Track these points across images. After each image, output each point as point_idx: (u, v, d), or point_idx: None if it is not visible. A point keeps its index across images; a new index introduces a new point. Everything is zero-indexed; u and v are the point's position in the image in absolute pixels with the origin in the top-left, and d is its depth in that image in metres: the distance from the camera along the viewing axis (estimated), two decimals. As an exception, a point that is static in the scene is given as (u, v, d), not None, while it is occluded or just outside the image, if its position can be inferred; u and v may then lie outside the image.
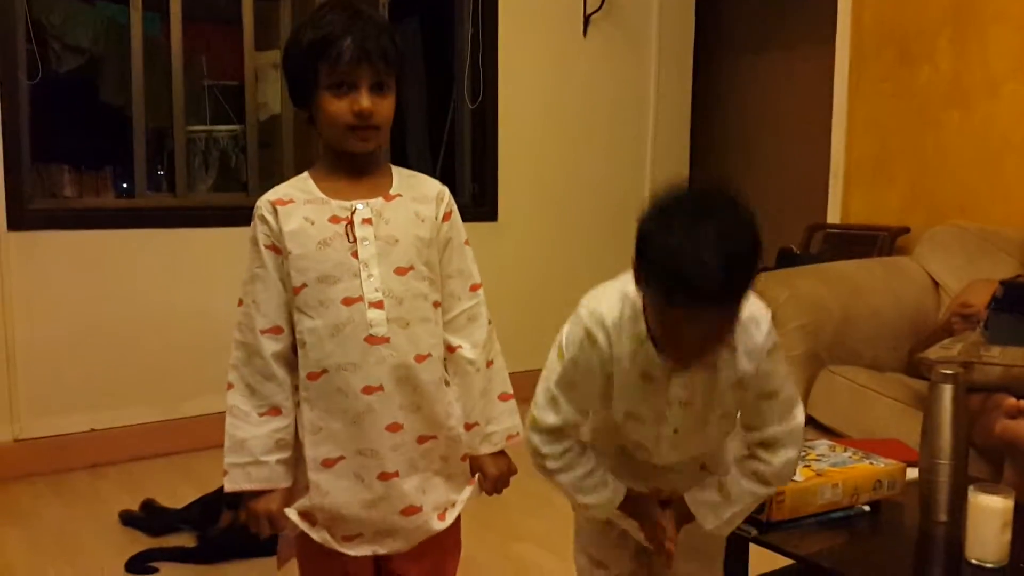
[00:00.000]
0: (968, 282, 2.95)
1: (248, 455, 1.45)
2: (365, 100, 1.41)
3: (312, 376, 1.44)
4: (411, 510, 1.50)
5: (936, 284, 3.28)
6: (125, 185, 3.89)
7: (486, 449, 1.57)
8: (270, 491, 1.46)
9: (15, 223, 3.18)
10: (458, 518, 1.60)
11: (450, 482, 1.57)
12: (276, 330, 1.46)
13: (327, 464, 1.45)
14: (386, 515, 1.48)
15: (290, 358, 1.47)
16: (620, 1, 4.38)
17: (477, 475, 1.60)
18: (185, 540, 2.67)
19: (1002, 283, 2.49)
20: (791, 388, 1.39)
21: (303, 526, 1.49)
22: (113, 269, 3.35)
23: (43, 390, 3.23)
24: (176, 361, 3.45)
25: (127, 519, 2.82)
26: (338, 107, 1.42)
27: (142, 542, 2.68)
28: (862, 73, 3.87)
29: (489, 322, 1.59)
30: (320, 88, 1.42)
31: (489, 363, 1.58)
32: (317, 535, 1.49)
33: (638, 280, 1.23)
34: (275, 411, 1.46)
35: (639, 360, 1.32)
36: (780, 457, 1.38)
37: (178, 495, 2.89)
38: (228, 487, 1.47)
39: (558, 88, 4.31)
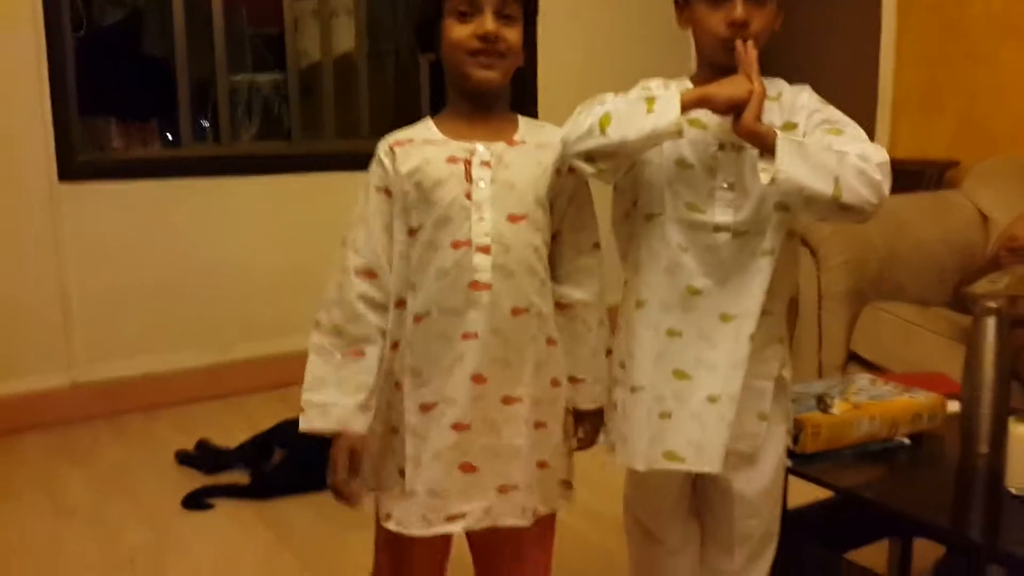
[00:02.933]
0: (1017, 215, 2.89)
1: (326, 395, 1.42)
2: (490, 22, 1.37)
3: (417, 319, 1.40)
4: (468, 468, 1.42)
5: (985, 218, 3.22)
6: (170, 136, 3.94)
7: (585, 405, 1.54)
8: (345, 433, 1.42)
9: (65, 174, 3.25)
10: (549, 527, 1.56)
11: (536, 482, 1.48)
12: (370, 273, 1.43)
13: (425, 409, 1.41)
14: (449, 470, 1.42)
15: (381, 303, 1.44)
16: None
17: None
18: (239, 478, 2.76)
19: (1051, 214, 2.43)
20: (861, 132, 1.39)
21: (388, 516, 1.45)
22: (161, 218, 3.42)
23: (97, 336, 3.33)
24: (223, 307, 3.54)
25: (182, 458, 2.91)
26: (461, 31, 1.38)
27: (197, 480, 2.77)
28: (911, 4, 3.76)
29: (597, 247, 1.53)
30: (444, 17, 1.39)
31: (601, 321, 1.53)
32: (392, 522, 1.44)
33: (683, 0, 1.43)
34: (358, 353, 1.43)
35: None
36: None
37: (231, 435, 2.97)
38: (303, 426, 1.43)
39: (598, 41, 4.21)
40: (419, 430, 1.41)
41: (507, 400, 1.42)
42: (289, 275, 3.54)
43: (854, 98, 3.85)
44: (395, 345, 1.45)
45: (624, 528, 1.76)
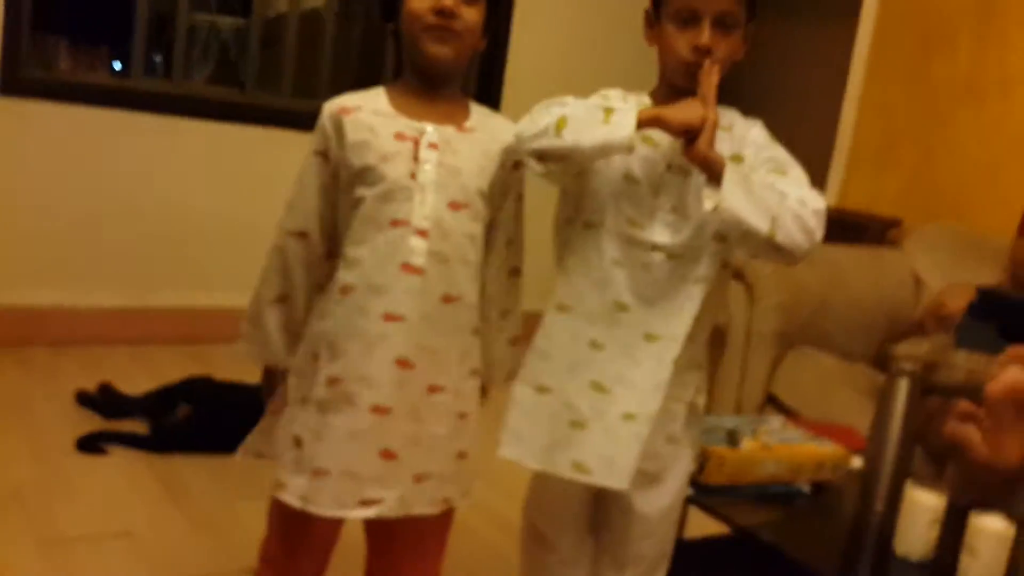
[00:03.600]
0: (948, 283, 2.94)
1: (254, 333, 1.50)
2: None
3: (343, 290, 1.40)
4: (389, 455, 1.41)
5: (919, 281, 3.28)
6: (119, 67, 3.82)
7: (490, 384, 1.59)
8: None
9: (9, 88, 3.12)
10: (448, 518, 1.56)
11: (453, 473, 1.49)
12: (301, 234, 1.45)
13: (332, 382, 1.39)
14: (364, 454, 1.39)
15: (311, 262, 1.47)
16: None
17: None
18: (138, 427, 2.68)
19: (979, 290, 2.48)
20: (804, 176, 1.42)
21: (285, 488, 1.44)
22: (98, 148, 3.30)
23: (12, 260, 3.21)
24: (150, 250, 3.43)
25: (83, 399, 2.83)
26: (420, 4, 1.37)
27: (95, 424, 2.70)
28: (880, 56, 3.81)
29: (517, 273, 1.59)
30: None
31: (506, 312, 1.57)
32: (294, 497, 1.42)
33: (655, 16, 1.44)
34: (282, 299, 1.48)
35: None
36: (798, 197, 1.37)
37: (135, 383, 2.89)
38: (239, 353, 1.53)
39: (575, 33, 4.18)
40: (325, 404, 1.40)
41: (432, 389, 1.42)
42: (222, 228, 3.45)
43: (810, 139, 3.92)
44: (321, 315, 1.45)
45: (520, 532, 1.75)
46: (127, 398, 2.83)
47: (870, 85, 3.85)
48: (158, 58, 3.90)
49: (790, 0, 4.84)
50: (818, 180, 3.78)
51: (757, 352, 2.92)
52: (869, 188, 3.84)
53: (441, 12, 1.36)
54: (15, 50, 3.13)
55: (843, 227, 3.68)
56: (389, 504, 1.42)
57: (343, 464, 1.39)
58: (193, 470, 2.52)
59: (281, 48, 3.77)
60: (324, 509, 1.40)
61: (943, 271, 3.19)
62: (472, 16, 1.39)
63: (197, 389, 2.75)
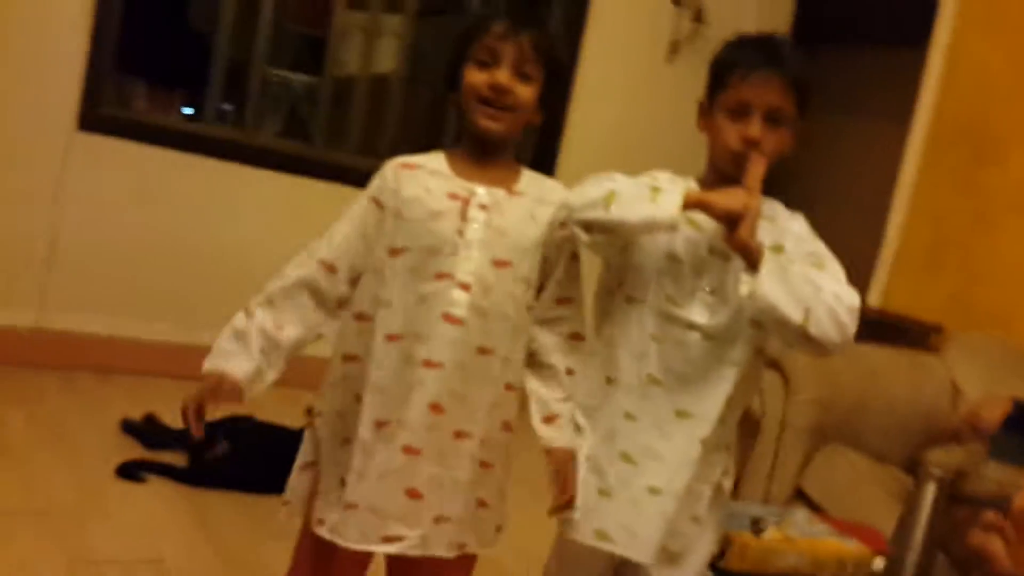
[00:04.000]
0: (986, 393, 2.94)
1: (228, 337, 1.50)
2: (503, 75, 1.44)
3: (391, 338, 1.44)
4: (415, 494, 1.45)
5: (957, 390, 3.27)
6: (192, 112, 3.98)
7: (559, 443, 1.54)
8: (225, 374, 1.49)
9: (86, 124, 3.28)
10: (471, 561, 1.58)
11: (471, 519, 1.51)
12: (331, 268, 1.50)
13: (379, 426, 1.44)
14: (393, 491, 1.44)
15: (325, 299, 1.51)
16: (709, 33, 4.31)
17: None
18: (177, 459, 2.75)
19: (1016, 402, 2.48)
20: (841, 272, 1.45)
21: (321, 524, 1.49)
22: (166, 188, 3.44)
23: (74, 286, 3.33)
24: (203, 289, 3.53)
25: (127, 427, 2.90)
26: (477, 78, 1.45)
27: (136, 452, 2.77)
28: (931, 160, 3.85)
29: (580, 338, 1.58)
30: (467, 61, 1.47)
31: (569, 371, 1.56)
32: (325, 528, 1.47)
33: (708, 106, 1.50)
34: (279, 328, 1.49)
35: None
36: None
37: (177, 417, 2.94)
38: (205, 364, 1.52)
39: (631, 115, 4.28)
40: (369, 446, 1.45)
41: (459, 434, 1.46)
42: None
43: (856, 238, 3.95)
44: (354, 357, 1.50)
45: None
46: (170, 430, 2.90)
47: (920, 189, 3.88)
48: (227, 106, 4.06)
49: (843, 98, 4.92)
50: (863, 280, 3.84)
51: (790, 445, 2.92)
52: (913, 292, 3.84)
53: (495, 88, 1.45)
54: (97, 89, 3.29)
55: (885, 329, 3.69)
56: (412, 542, 1.46)
57: (371, 499, 1.44)
58: (226, 506, 2.57)
59: (349, 108, 3.91)
60: (350, 541, 1.45)
61: (982, 381, 3.17)
62: (526, 94, 1.47)
63: (238, 427, 2.79)
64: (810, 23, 4.62)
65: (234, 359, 1.48)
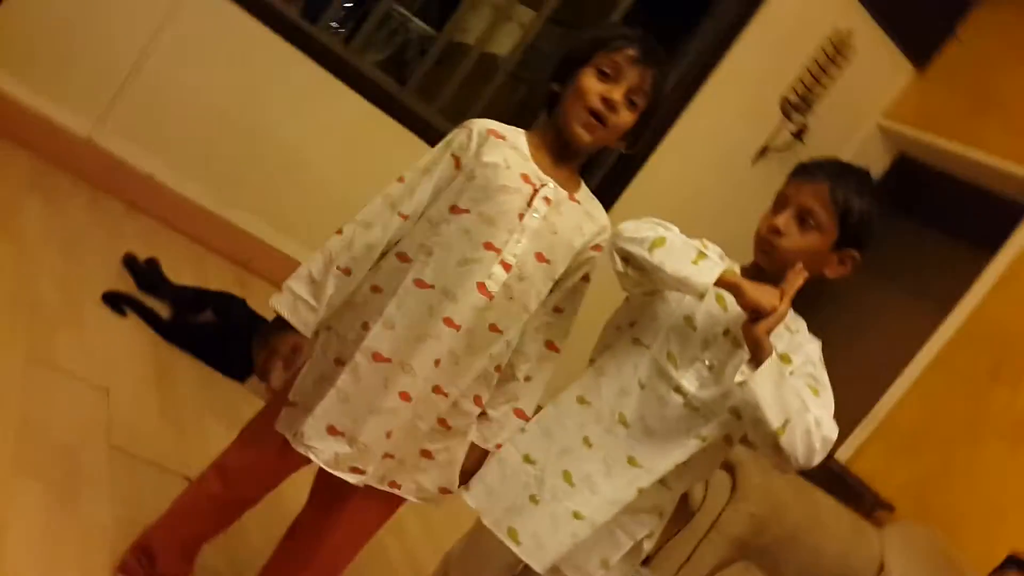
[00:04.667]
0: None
1: (305, 292, 1.53)
2: (618, 94, 1.50)
3: (420, 284, 1.49)
4: (390, 435, 1.51)
5: (883, 568, 3.31)
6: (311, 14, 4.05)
7: (485, 444, 1.63)
8: (297, 335, 1.53)
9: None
10: (391, 508, 1.65)
11: (412, 467, 1.58)
12: (407, 219, 1.54)
13: (376, 358, 1.49)
14: (379, 431, 1.49)
15: (388, 244, 1.54)
16: (800, 152, 4.29)
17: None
18: (161, 310, 2.79)
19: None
20: (831, 404, 1.50)
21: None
22: (257, 68, 3.49)
23: (136, 117, 3.37)
24: (249, 171, 3.58)
25: (128, 262, 2.95)
26: (593, 85, 1.51)
27: (127, 287, 2.82)
28: (950, 357, 3.89)
29: (555, 348, 1.65)
30: (586, 65, 1.52)
31: (527, 378, 1.64)
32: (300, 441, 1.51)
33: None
34: (347, 271, 1.54)
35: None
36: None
37: (177, 272, 3.03)
38: (274, 301, 1.55)
39: (699, 191, 4.29)
40: (359, 372, 1.49)
41: (437, 390, 1.52)
42: (322, 190, 3.62)
43: (852, 390, 3.98)
44: (379, 289, 1.54)
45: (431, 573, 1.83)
46: (166, 280, 2.95)
47: (928, 378, 3.90)
48: (335, 26, 4.11)
49: (897, 267, 4.93)
50: (842, 432, 3.85)
51: (712, 545, 2.97)
52: (881, 465, 3.86)
53: (607, 102, 1.50)
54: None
55: (844, 484, 3.73)
56: (373, 476, 1.53)
57: (355, 432, 1.49)
58: (188, 371, 2.63)
59: (452, 71, 3.98)
60: (325, 462, 1.50)
61: (908, 572, 3.22)
62: (627, 119, 1.54)
63: (229, 305, 2.84)
64: (899, 189, 4.66)
65: (307, 319, 1.52)
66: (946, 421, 3.77)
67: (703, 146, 4.26)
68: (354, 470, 1.52)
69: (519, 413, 1.65)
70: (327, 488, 1.63)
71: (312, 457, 1.51)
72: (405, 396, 1.50)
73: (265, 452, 1.60)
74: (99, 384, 2.28)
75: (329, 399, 1.50)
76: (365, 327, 1.52)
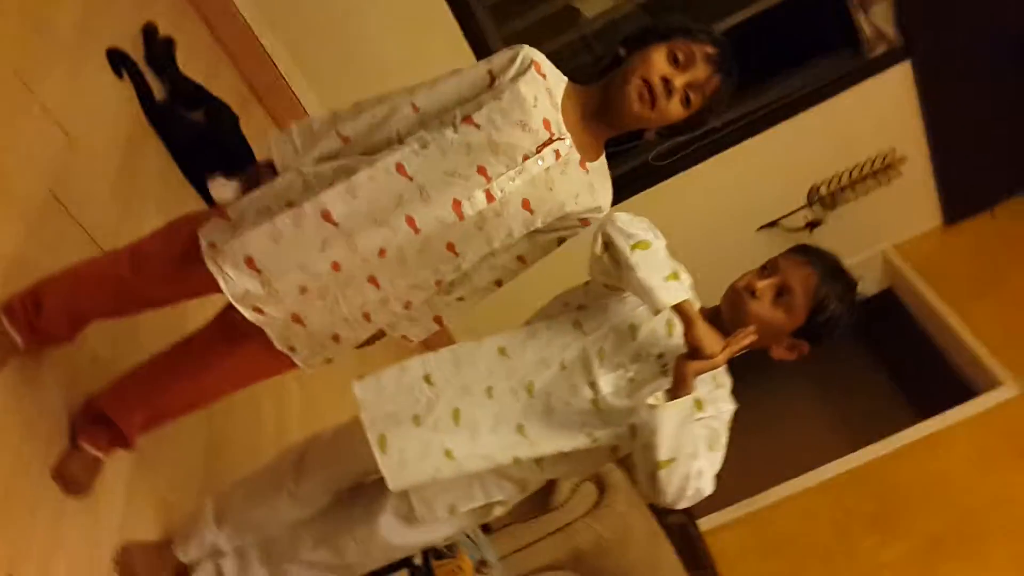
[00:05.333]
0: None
1: (300, 140, 1.55)
2: (681, 81, 1.48)
3: (400, 169, 1.47)
4: (304, 291, 1.52)
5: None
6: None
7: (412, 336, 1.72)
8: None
9: None
10: (281, 364, 1.65)
11: (324, 347, 1.61)
12: (417, 110, 1.52)
13: (325, 216, 1.47)
14: (294, 283, 1.50)
15: (393, 135, 1.52)
16: (806, 240, 4.13)
17: None
18: (157, 90, 2.71)
19: None
20: (719, 462, 1.53)
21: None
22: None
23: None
24: (309, 14, 3.50)
25: (147, 32, 2.84)
26: (661, 63, 1.48)
27: (135, 54, 2.71)
28: (838, 488, 3.93)
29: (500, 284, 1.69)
30: (659, 44, 1.49)
31: (460, 299, 1.70)
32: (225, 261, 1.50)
33: None
34: (346, 140, 1.53)
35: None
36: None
37: (190, 66, 2.93)
38: (274, 137, 1.57)
39: (697, 227, 4.14)
40: (302, 222, 1.47)
41: (371, 280, 1.51)
42: (362, 62, 3.54)
43: (745, 467, 4.03)
44: (368, 155, 1.51)
45: (286, 449, 1.83)
46: (174, 63, 2.85)
47: (813, 495, 3.95)
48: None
49: (829, 380, 4.96)
50: (719, 494, 3.90)
51: (552, 545, 3.03)
52: (735, 550, 3.91)
53: (667, 84, 1.48)
54: None
55: (692, 552, 3.78)
56: (275, 321, 1.53)
57: (273, 276, 1.48)
58: (154, 158, 2.57)
59: (530, 8, 3.92)
60: (229, 293, 1.50)
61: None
62: (676, 111, 1.51)
63: (221, 115, 2.77)
64: (873, 318, 4.67)
65: (287, 159, 1.55)
66: (811, 543, 3.83)
67: (724, 192, 4.25)
68: (256, 310, 1.51)
69: (437, 320, 1.69)
70: (231, 322, 1.61)
71: (220, 282, 1.49)
72: (336, 266, 1.49)
73: (174, 247, 1.57)
74: (68, 131, 2.21)
75: (260, 231, 1.48)
76: (330, 186, 1.49)
